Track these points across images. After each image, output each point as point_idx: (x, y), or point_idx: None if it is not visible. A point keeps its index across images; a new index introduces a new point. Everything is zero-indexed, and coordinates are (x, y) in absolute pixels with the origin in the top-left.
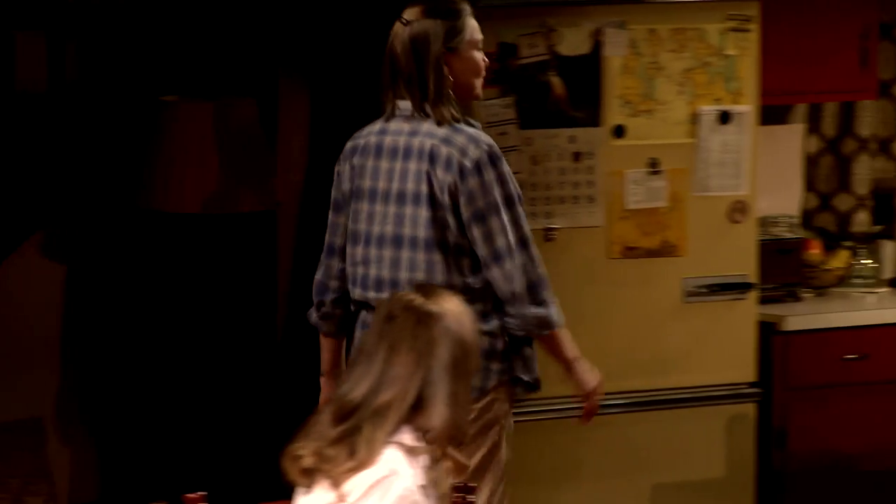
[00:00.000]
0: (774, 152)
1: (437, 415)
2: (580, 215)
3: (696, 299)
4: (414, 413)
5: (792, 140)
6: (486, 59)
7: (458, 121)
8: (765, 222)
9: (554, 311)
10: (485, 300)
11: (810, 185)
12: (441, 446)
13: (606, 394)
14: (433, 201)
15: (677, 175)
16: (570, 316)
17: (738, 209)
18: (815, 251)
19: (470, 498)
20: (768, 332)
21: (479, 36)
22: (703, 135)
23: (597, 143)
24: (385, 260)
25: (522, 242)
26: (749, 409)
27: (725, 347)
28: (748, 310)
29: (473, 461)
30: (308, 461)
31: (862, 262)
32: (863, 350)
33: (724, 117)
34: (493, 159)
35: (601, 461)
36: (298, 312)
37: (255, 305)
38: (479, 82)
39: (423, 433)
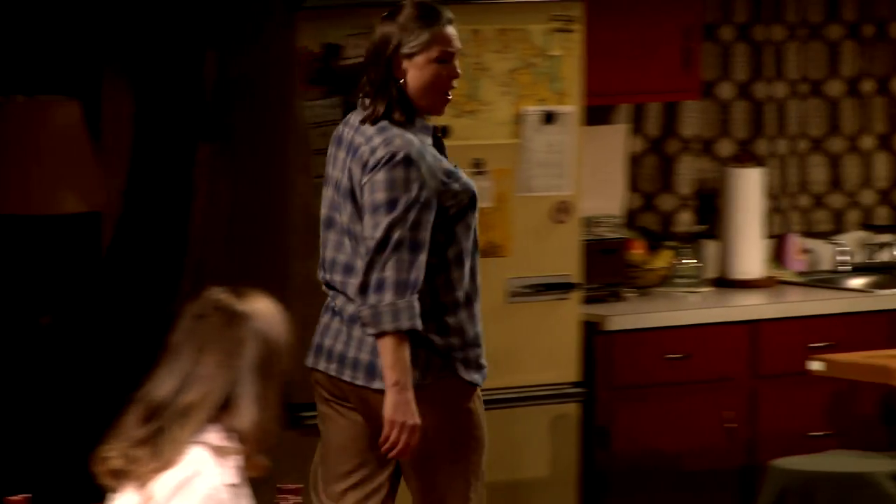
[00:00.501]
0: (598, 152)
1: (245, 415)
2: None
3: (520, 299)
4: (221, 413)
5: (615, 140)
6: (456, 74)
7: (400, 123)
8: (588, 222)
9: (415, 307)
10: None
11: (634, 185)
12: (250, 447)
13: None
14: (353, 194)
15: (502, 175)
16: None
17: (562, 209)
18: (638, 251)
19: (294, 499)
20: (592, 331)
21: (443, 47)
22: (527, 135)
23: None
24: (330, 242)
25: (404, 244)
26: (573, 409)
27: (549, 347)
28: (572, 310)
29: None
30: (115, 463)
31: (685, 261)
32: (685, 350)
33: (549, 118)
34: (404, 163)
35: None
36: (121, 314)
37: (78, 308)
38: (437, 97)
39: (232, 433)
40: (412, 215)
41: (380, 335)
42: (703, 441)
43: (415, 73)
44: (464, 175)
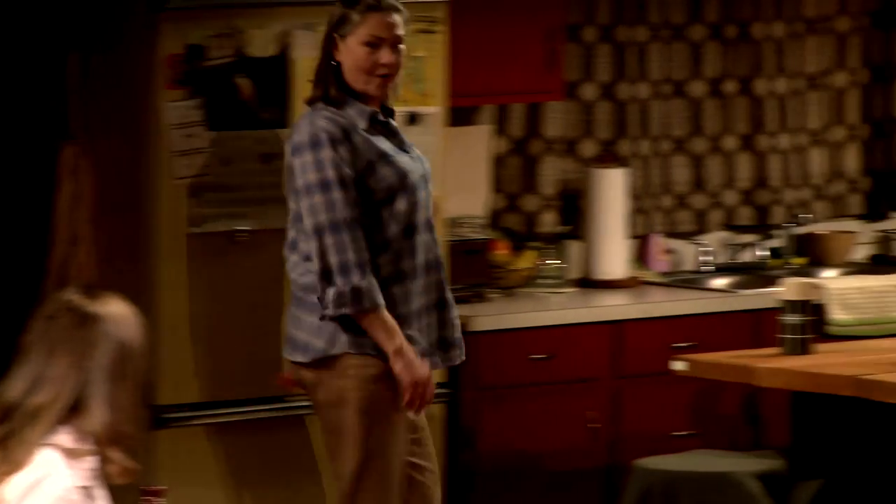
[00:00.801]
0: (462, 153)
1: (96, 417)
2: (269, 217)
3: None
4: (73, 415)
5: (479, 141)
6: (388, 60)
7: (335, 102)
8: (452, 223)
9: (363, 290)
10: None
11: (497, 185)
12: (104, 449)
13: (297, 395)
14: (291, 174)
15: None
16: (257, 317)
17: None
18: (502, 252)
19: (157, 501)
20: None
21: (372, 31)
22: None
23: (282, 144)
24: (289, 222)
25: (321, 228)
26: (438, 410)
27: None
28: None
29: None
30: None
31: (549, 262)
32: (549, 350)
33: (413, 119)
34: (314, 143)
35: (289, 463)
36: None
37: None
38: (366, 79)
39: (85, 435)
40: (337, 194)
41: (358, 315)
42: (567, 441)
43: (346, 55)
44: (404, 159)
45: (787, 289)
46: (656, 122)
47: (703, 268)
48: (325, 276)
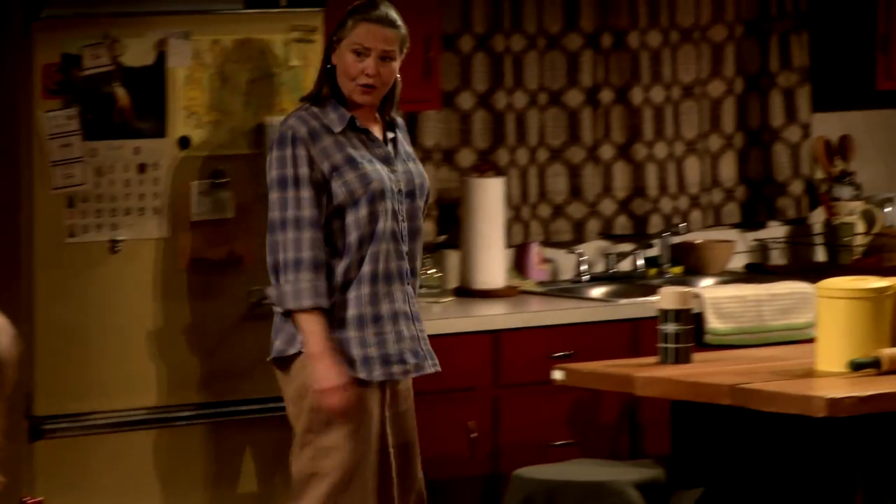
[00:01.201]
0: None
1: None
2: (147, 227)
3: (262, 310)
4: None
5: None
6: (370, 70)
7: (323, 100)
8: None
9: (287, 290)
10: None
11: None
12: None
13: (174, 406)
14: None
15: (244, 186)
16: (137, 330)
17: None
18: None
19: None
20: None
21: (359, 40)
22: (268, 145)
23: (162, 154)
24: None
25: (273, 225)
26: None
27: None
28: None
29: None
30: None
31: (427, 272)
32: None
33: None
34: (280, 141)
35: (178, 472)
36: None
37: None
38: (351, 85)
39: None
40: (291, 193)
41: (287, 313)
42: (447, 450)
43: (338, 59)
44: (375, 167)
45: (665, 298)
46: (533, 131)
47: (581, 277)
48: (273, 271)
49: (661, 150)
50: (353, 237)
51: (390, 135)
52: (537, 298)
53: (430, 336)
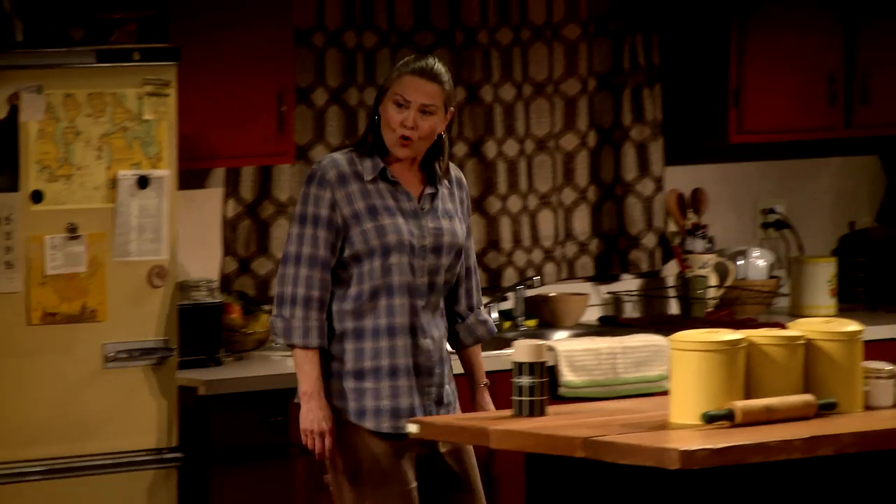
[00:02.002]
0: (194, 216)
1: None
2: (4, 281)
3: (116, 364)
4: None
5: (211, 204)
6: (410, 121)
7: (367, 148)
8: (185, 287)
9: (278, 325)
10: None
11: (230, 248)
12: None
13: (26, 461)
14: None
15: (97, 240)
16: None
17: (158, 274)
18: (235, 315)
19: None
20: (189, 396)
21: (400, 91)
22: (121, 199)
23: (15, 208)
24: None
25: (286, 258)
26: (171, 475)
27: (147, 412)
28: (169, 374)
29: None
30: None
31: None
32: (284, 413)
33: (143, 182)
34: (309, 178)
35: None
36: None
37: None
38: (391, 136)
39: None
40: (309, 231)
41: (288, 347)
42: (300, 502)
43: (382, 110)
44: (397, 220)
45: (519, 351)
46: None
47: None
48: (276, 303)
49: (514, 203)
50: (366, 287)
51: (429, 190)
52: None
53: (283, 390)
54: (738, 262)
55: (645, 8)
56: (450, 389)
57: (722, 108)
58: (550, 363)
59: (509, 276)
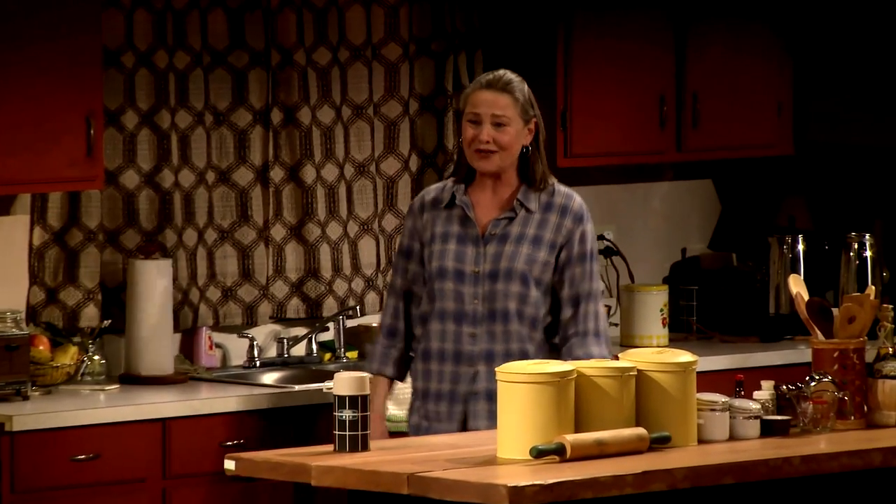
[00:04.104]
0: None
1: None
2: None
3: None
4: None
5: (16, 232)
6: (484, 135)
7: (454, 174)
8: None
9: (369, 360)
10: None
11: (36, 278)
12: None
13: None
14: None
15: None
16: None
17: None
18: (42, 347)
19: None
20: None
21: (471, 108)
22: None
23: None
24: None
25: (387, 288)
26: None
27: None
28: None
29: None
30: None
31: (91, 358)
32: (94, 450)
33: None
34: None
35: None
36: None
37: None
38: (469, 153)
39: None
40: (399, 262)
41: None
42: None
43: (462, 131)
44: (450, 246)
45: (340, 384)
46: (202, 210)
47: (253, 363)
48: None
49: (334, 229)
50: (423, 310)
51: (505, 214)
52: (207, 385)
53: (95, 425)
54: None
55: (469, 27)
56: None
57: (549, 131)
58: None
59: (329, 306)
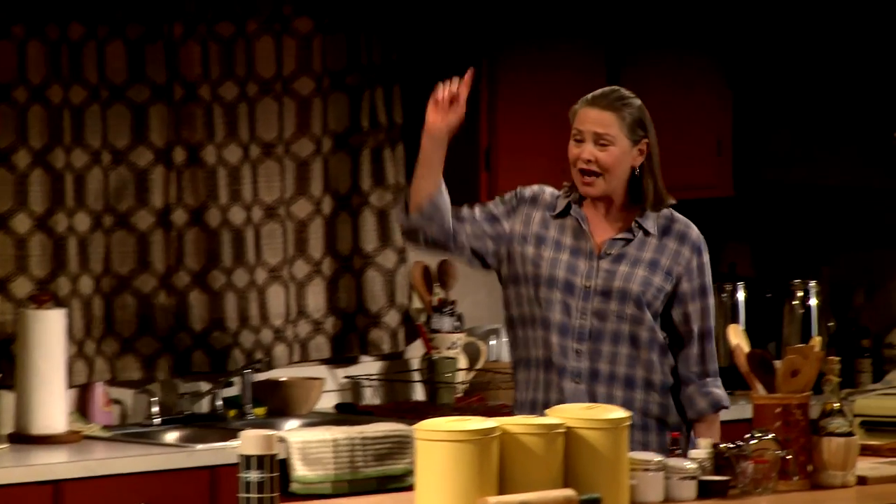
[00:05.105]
0: None
1: None
2: None
3: None
4: None
5: None
6: (586, 154)
7: (570, 189)
8: None
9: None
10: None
11: None
12: None
13: None
14: None
15: None
16: None
17: None
18: None
19: None
20: None
21: (575, 125)
22: None
23: None
24: None
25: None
26: None
27: None
28: None
29: None
30: None
31: None
32: None
33: None
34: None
35: None
36: None
37: None
38: (574, 174)
39: None
40: (472, 208)
41: None
42: None
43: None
44: (547, 254)
45: (246, 442)
46: (98, 256)
47: (152, 420)
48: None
49: (241, 277)
50: (518, 312)
51: (622, 235)
52: (103, 444)
53: None
54: (491, 342)
55: (386, 60)
56: None
57: (473, 171)
58: (281, 456)
59: (235, 359)
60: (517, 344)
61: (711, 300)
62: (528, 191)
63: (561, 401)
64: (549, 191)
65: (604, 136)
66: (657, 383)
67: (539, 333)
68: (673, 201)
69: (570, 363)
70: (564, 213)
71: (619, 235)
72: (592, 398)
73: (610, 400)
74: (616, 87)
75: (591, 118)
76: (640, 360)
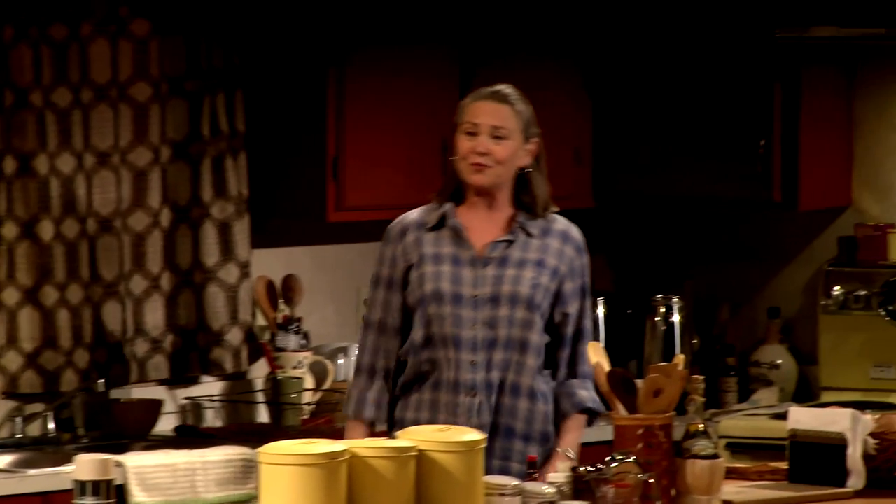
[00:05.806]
0: None
1: None
2: None
3: None
4: None
5: None
6: (481, 146)
7: (438, 195)
8: None
9: (345, 404)
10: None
11: None
12: None
13: None
14: None
15: None
16: None
17: None
18: None
19: None
20: None
21: (469, 118)
22: None
23: None
24: None
25: (363, 323)
26: None
27: None
28: None
29: None
30: None
31: None
32: None
33: None
34: (384, 236)
35: None
36: None
37: None
38: (463, 166)
39: None
40: (378, 294)
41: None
42: None
43: (456, 144)
44: (445, 268)
45: (80, 467)
46: None
47: None
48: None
49: (75, 293)
50: (415, 338)
51: (503, 237)
52: None
53: None
54: (339, 361)
55: (228, 64)
56: (517, 454)
57: (319, 181)
58: (118, 481)
59: (69, 379)
60: (408, 369)
61: (589, 302)
62: (392, 228)
63: (452, 421)
64: (411, 214)
65: (500, 128)
66: (549, 387)
67: (424, 354)
68: (556, 208)
69: (463, 376)
70: (439, 225)
71: (501, 238)
72: (496, 411)
73: (513, 411)
74: (510, 86)
75: (487, 111)
76: (527, 367)
